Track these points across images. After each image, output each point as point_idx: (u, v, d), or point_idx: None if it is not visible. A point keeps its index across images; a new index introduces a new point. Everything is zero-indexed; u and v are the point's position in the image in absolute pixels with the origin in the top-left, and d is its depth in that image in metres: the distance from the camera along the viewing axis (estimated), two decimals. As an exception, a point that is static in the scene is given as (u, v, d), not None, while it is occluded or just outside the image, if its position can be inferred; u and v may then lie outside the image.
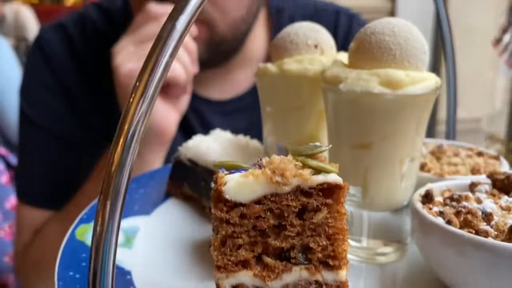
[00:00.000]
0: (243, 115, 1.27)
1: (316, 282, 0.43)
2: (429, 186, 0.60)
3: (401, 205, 0.63)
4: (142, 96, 0.38)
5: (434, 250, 0.54)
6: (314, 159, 0.45)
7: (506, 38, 2.98)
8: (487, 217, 0.51)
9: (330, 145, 0.47)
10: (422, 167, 0.68)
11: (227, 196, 0.42)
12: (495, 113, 4.18)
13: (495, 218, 0.51)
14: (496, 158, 0.72)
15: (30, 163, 1.36)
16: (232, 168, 0.46)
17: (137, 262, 0.59)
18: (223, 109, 1.29)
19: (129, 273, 0.56)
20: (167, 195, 0.78)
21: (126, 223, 0.68)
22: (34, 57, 1.35)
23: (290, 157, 0.45)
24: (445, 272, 0.54)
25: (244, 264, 0.43)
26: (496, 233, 0.49)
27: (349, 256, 0.62)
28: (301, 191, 0.42)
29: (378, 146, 0.59)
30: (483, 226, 0.49)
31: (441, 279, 0.56)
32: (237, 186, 0.43)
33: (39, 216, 1.26)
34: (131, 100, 0.39)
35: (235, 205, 0.43)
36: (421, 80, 0.57)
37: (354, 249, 0.64)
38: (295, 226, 0.43)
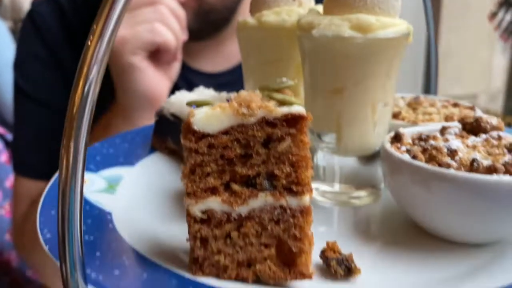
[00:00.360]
0: (236, 87, 1.29)
1: (281, 207, 0.45)
2: (400, 129, 0.62)
3: (373, 150, 0.65)
4: (99, 37, 0.39)
5: (402, 187, 0.56)
6: (282, 93, 0.47)
7: (502, 12, 2.98)
8: (452, 153, 0.53)
9: (296, 80, 0.48)
10: (397, 115, 0.70)
11: (195, 127, 0.44)
12: (492, 90, 4.18)
13: (460, 154, 0.53)
14: (471, 108, 0.74)
15: (26, 136, 1.38)
16: (203, 105, 0.48)
17: (118, 205, 0.61)
18: (216, 81, 1.30)
19: (109, 213, 0.58)
20: (152, 150, 0.80)
21: (110, 172, 0.70)
22: (26, 30, 1.37)
23: (258, 92, 0.47)
24: (414, 209, 0.56)
25: (213, 191, 0.46)
26: (458, 165, 0.51)
27: (323, 200, 0.66)
28: (266, 121, 0.44)
29: (350, 91, 0.61)
30: (447, 160, 0.51)
31: (411, 218, 0.58)
32: (205, 117, 0.45)
33: (35, 188, 1.28)
34: (89, 42, 0.40)
35: (203, 135, 0.45)
36: (392, 25, 0.58)
37: (328, 193, 0.66)
38: (260, 155, 0.45)
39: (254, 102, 0.44)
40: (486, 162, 0.50)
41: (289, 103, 0.45)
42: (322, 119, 0.65)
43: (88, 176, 0.68)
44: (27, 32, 1.36)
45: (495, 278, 0.47)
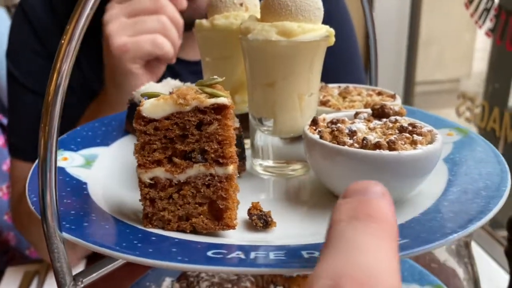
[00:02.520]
0: None
1: (211, 174, 0.60)
2: (323, 115, 0.76)
3: (303, 132, 0.79)
4: (70, 37, 0.52)
5: (315, 161, 0.70)
6: (212, 88, 0.61)
7: (477, -1, 3.09)
8: (352, 133, 0.67)
9: (224, 78, 0.62)
10: (325, 103, 0.84)
11: (144, 114, 0.59)
12: (474, 74, 4.31)
13: (359, 134, 0.67)
14: (392, 96, 0.88)
15: (20, 121, 1.50)
16: (153, 97, 0.62)
17: (93, 177, 0.76)
18: (198, 68, 1.43)
19: (85, 183, 0.73)
20: (126, 132, 0.94)
21: (87, 151, 0.84)
22: (17, 20, 1.48)
23: (194, 86, 0.61)
24: (325, 178, 0.71)
25: (158, 163, 0.60)
26: (352, 143, 0.65)
27: (265, 173, 0.80)
28: (198, 109, 0.59)
29: (280, 84, 0.75)
30: (345, 139, 0.66)
31: (326, 186, 0.73)
32: (151, 106, 0.59)
33: (29, 169, 1.42)
34: (62, 41, 0.53)
35: (150, 120, 0.59)
36: (312, 30, 0.72)
37: (269, 167, 0.81)
38: (194, 135, 0.59)
39: (189, 94, 0.59)
40: (374, 140, 0.65)
41: (217, 96, 0.59)
42: (261, 107, 0.79)
43: (68, 154, 0.82)
44: (18, 21, 1.47)
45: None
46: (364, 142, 0.64)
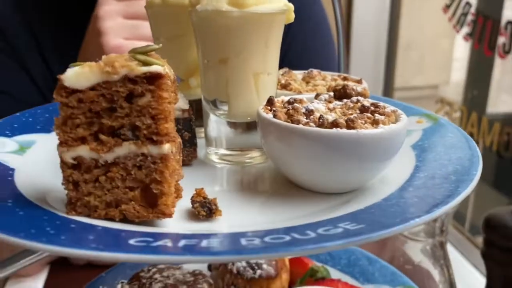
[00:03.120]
0: None
1: (143, 154, 0.52)
2: (280, 97, 0.69)
3: (257, 113, 0.72)
4: None
5: (270, 144, 0.63)
6: (146, 55, 0.54)
7: (454, 4, 3.09)
8: (309, 112, 0.60)
9: (161, 44, 0.55)
10: (286, 86, 0.78)
11: (66, 84, 0.51)
12: (453, 80, 4.31)
13: (316, 114, 0.61)
14: (359, 81, 0.82)
15: None
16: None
17: (24, 164, 0.67)
18: None
19: (12, 169, 0.64)
20: (71, 120, 0.86)
21: (23, 137, 0.76)
22: None
23: (125, 54, 0.54)
24: (280, 163, 0.64)
25: (82, 140, 0.52)
26: (308, 121, 0.58)
27: (217, 160, 0.73)
28: (128, 79, 0.51)
29: (233, 61, 0.68)
30: (300, 117, 0.59)
31: (280, 171, 0.66)
32: (75, 75, 0.51)
33: None
34: None
35: (73, 91, 0.51)
36: (266, 2, 0.66)
37: (223, 155, 0.74)
38: (124, 108, 0.52)
39: (118, 61, 0.51)
40: (331, 118, 0.58)
41: (150, 63, 0.52)
42: (214, 88, 0.72)
43: (0, 140, 0.73)
44: None
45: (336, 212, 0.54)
46: (321, 120, 0.57)
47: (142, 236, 0.47)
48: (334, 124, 0.57)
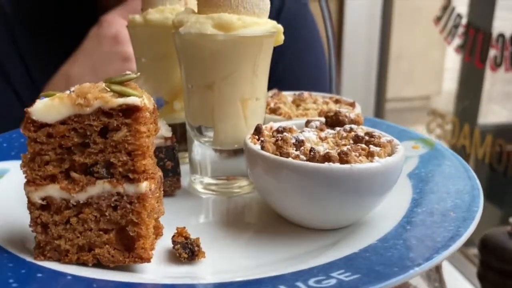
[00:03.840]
0: None
1: (118, 193, 0.48)
2: (269, 124, 0.65)
3: (243, 142, 0.68)
4: None
5: (257, 176, 0.59)
6: (123, 85, 0.49)
7: (445, 16, 3.08)
8: (299, 143, 0.56)
9: (138, 73, 0.51)
10: (275, 111, 0.74)
11: (34, 117, 0.47)
12: (444, 91, 4.31)
13: (307, 144, 0.57)
14: (352, 104, 0.78)
15: None
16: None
17: (-7, 197, 0.63)
18: None
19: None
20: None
21: (-3, 165, 0.72)
22: None
23: (102, 84, 0.49)
24: (269, 197, 0.60)
25: (52, 179, 0.48)
26: (298, 154, 0.54)
27: (202, 190, 0.68)
28: (102, 112, 0.47)
29: (219, 86, 0.64)
30: (290, 150, 0.55)
31: (268, 204, 0.62)
32: (44, 108, 0.47)
33: None
34: None
35: (42, 125, 0.47)
36: (254, 24, 0.62)
37: (209, 185, 0.69)
38: (97, 144, 0.47)
39: (91, 93, 0.47)
40: (323, 151, 0.54)
41: (126, 94, 0.47)
42: (199, 114, 0.68)
43: (-30, 168, 0.69)
44: None
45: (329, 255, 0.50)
46: (312, 153, 0.54)
47: (116, 287, 0.42)
48: (326, 157, 0.53)
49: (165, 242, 0.54)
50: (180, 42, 0.65)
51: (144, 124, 0.48)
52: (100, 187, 0.48)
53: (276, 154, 0.55)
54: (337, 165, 0.52)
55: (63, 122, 0.47)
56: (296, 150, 0.56)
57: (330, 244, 0.54)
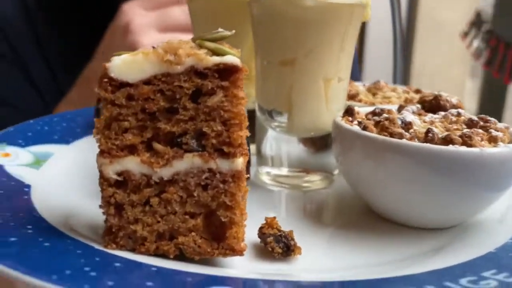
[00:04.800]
0: None
1: (210, 170, 0.40)
2: (355, 108, 0.57)
3: (326, 130, 0.60)
4: None
5: (353, 163, 0.51)
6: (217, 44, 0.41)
7: (473, 31, 3.02)
8: (406, 125, 0.48)
9: (234, 31, 0.43)
10: (354, 97, 0.66)
11: (112, 75, 0.39)
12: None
13: (415, 127, 0.49)
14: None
15: None
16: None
17: (42, 179, 0.55)
18: None
19: (27, 186, 0.52)
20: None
21: (39, 148, 0.64)
22: None
23: (189, 41, 0.42)
24: (366, 188, 0.52)
25: (131, 150, 0.40)
26: (412, 136, 0.46)
27: (274, 183, 0.60)
28: (195, 71, 0.39)
29: (301, 62, 0.56)
30: (400, 130, 0.47)
31: (363, 199, 0.53)
32: (124, 64, 0.39)
33: None
34: None
35: (122, 84, 0.39)
36: (346, -9, 0.54)
37: (280, 177, 0.61)
38: (188, 110, 0.39)
39: (183, 49, 0.39)
40: (442, 134, 0.46)
41: (223, 53, 0.39)
42: (273, 96, 0.60)
43: (12, 149, 0.61)
44: None
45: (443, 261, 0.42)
46: (430, 135, 0.45)
47: (216, 283, 0.34)
48: (448, 140, 0.45)
49: (247, 235, 0.46)
50: (259, 11, 0.57)
51: (241, 88, 0.40)
52: (188, 162, 0.39)
53: (384, 135, 0.47)
54: (464, 148, 0.43)
55: (147, 82, 0.39)
56: (404, 131, 0.47)
57: (442, 246, 0.46)
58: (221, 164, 0.40)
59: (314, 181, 0.62)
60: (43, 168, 0.59)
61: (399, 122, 0.49)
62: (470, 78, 4.00)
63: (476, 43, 3.07)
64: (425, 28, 3.62)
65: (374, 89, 0.70)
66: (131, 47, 0.97)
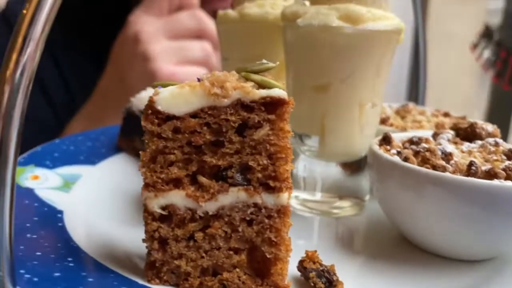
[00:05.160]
0: None
1: (255, 205, 0.39)
2: (388, 133, 0.56)
3: (359, 156, 0.59)
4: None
5: (391, 193, 0.50)
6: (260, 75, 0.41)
7: (483, 42, 3.01)
8: (447, 156, 0.48)
9: (278, 62, 0.43)
10: (385, 121, 0.65)
11: (159, 107, 0.38)
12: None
13: (455, 158, 0.48)
14: (463, 118, 0.70)
15: None
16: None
17: (71, 204, 0.54)
18: None
19: (60, 212, 0.51)
20: (118, 150, 0.73)
21: (67, 170, 0.63)
22: None
23: (234, 73, 0.41)
24: (403, 219, 0.51)
25: (176, 183, 0.39)
26: (454, 169, 0.45)
27: (303, 209, 0.59)
28: (241, 104, 0.38)
29: (337, 87, 0.56)
30: (442, 163, 0.46)
31: (400, 229, 0.52)
32: (171, 97, 0.38)
33: None
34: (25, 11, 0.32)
35: (168, 117, 0.39)
36: (383, 18, 0.54)
37: (309, 202, 0.60)
38: (234, 143, 0.39)
39: (229, 82, 0.39)
40: (484, 166, 0.45)
41: (269, 86, 0.39)
42: (305, 120, 0.59)
43: (41, 171, 0.60)
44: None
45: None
46: (473, 168, 0.44)
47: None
48: (491, 174, 0.44)
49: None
50: (294, 36, 0.57)
51: (287, 121, 0.39)
52: (233, 196, 0.39)
53: (427, 167, 0.46)
54: (508, 182, 0.43)
55: (194, 115, 0.38)
56: (445, 163, 0.47)
57: (481, 279, 0.45)
58: (267, 199, 0.39)
59: (345, 207, 0.61)
60: (73, 191, 0.58)
61: (439, 153, 0.48)
62: (478, 90, 3.99)
63: (486, 55, 3.06)
64: (434, 39, 3.62)
65: (403, 112, 0.70)
66: (142, 56, 0.97)
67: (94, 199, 0.57)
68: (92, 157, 0.69)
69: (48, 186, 0.57)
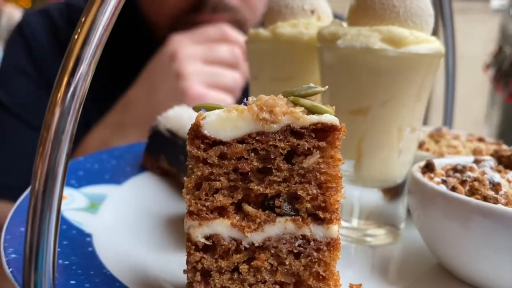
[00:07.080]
0: None
1: (303, 237, 0.37)
2: (431, 160, 0.55)
3: (395, 182, 0.57)
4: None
5: (435, 223, 0.48)
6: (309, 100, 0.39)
7: (495, 63, 3.00)
8: (495, 186, 0.46)
9: (327, 86, 0.41)
10: (420, 146, 0.63)
11: (205, 132, 0.37)
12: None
13: (504, 188, 0.46)
14: (498, 144, 0.68)
15: (8, 156, 1.26)
16: (215, 109, 0.40)
17: (100, 227, 0.52)
18: None
19: (89, 235, 0.50)
20: (142, 169, 0.72)
21: (93, 190, 0.62)
22: (14, 42, 1.29)
23: (281, 97, 0.40)
24: (446, 249, 0.48)
25: (221, 212, 0.37)
26: (506, 201, 0.43)
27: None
28: (291, 131, 0.37)
29: (375, 111, 0.54)
30: (492, 193, 0.44)
31: (440, 260, 0.50)
32: (218, 121, 0.37)
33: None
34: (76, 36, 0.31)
35: (215, 142, 0.37)
36: (426, 41, 0.52)
37: (344, 229, 0.58)
38: (282, 171, 0.37)
39: (278, 106, 0.37)
40: (539, 198, 0.43)
41: (320, 111, 0.37)
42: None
43: (68, 192, 0.59)
44: (14, 44, 1.29)
45: None
46: (528, 200, 0.42)
47: None
48: (547, 206, 0.42)
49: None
50: (333, 57, 0.55)
51: (338, 149, 0.37)
52: (281, 227, 0.37)
53: (477, 198, 0.44)
54: None
55: (241, 141, 0.37)
56: (495, 194, 0.45)
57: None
58: (316, 231, 0.37)
59: (379, 235, 0.59)
60: (100, 213, 0.56)
61: (487, 182, 0.46)
62: (490, 109, 3.96)
63: (498, 75, 3.05)
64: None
65: (436, 136, 0.68)
66: (176, 73, 0.98)
67: (122, 222, 0.56)
68: (117, 176, 0.67)
69: (75, 207, 0.56)
